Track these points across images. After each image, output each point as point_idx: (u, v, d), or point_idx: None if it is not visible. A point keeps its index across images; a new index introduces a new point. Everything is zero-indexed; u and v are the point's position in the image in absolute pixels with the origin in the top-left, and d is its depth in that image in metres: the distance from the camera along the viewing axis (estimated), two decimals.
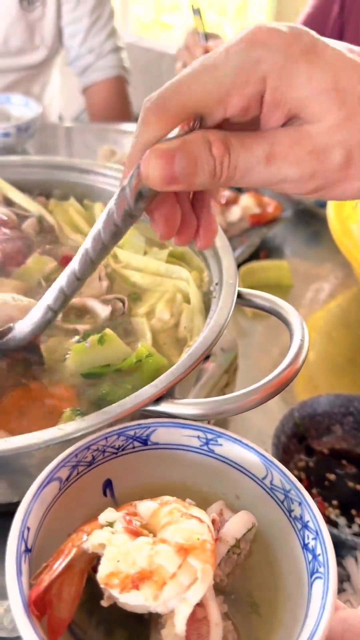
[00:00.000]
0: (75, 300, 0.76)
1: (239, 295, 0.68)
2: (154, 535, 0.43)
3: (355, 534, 0.75)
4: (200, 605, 0.41)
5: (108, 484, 0.51)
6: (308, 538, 0.46)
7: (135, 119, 0.53)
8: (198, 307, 0.75)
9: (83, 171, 0.95)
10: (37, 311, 0.62)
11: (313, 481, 0.81)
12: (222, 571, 0.46)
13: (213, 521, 0.46)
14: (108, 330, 0.68)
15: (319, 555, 0.44)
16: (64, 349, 0.69)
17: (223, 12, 3.62)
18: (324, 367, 1.07)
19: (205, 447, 0.52)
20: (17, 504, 0.44)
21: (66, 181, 0.96)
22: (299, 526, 0.47)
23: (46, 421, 0.60)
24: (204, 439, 0.52)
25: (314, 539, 0.45)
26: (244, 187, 0.46)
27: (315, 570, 0.44)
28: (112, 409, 0.55)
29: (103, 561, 0.41)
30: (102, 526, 0.43)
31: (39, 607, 0.40)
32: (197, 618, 0.41)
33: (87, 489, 0.49)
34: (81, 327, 0.73)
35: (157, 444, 0.52)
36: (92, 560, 0.43)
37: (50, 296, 0.60)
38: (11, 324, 0.66)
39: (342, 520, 0.77)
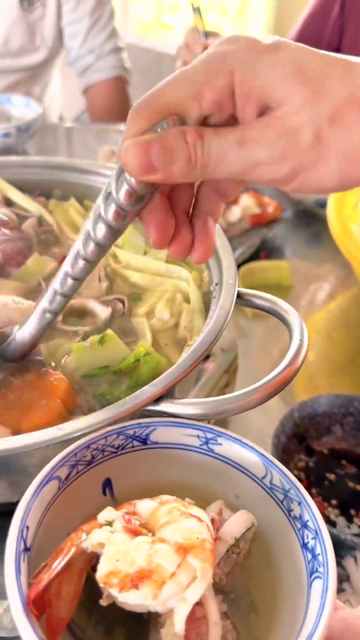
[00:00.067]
0: (75, 302, 0.76)
1: (239, 296, 0.68)
2: (153, 535, 0.43)
3: (355, 534, 0.75)
4: (199, 604, 0.41)
5: (107, 483, 0.51)
6: (307, 537, 0.46)
7: None
8: (198, 307, 0.75)
9: (83, 171, 0.95)
10: (35, 317, 0.62)
11: (313, 481, 0.81)
12: (221, 570, 0.46)
13: (212, 520, 0.46)
14: (109, 331, 0.68)
15: (319, 554, 0.44)
16: (64, 351, 0.69)
17: (223, 13, 3.62)
18: (324, 367, 1.07)
19: (205, 447, 0.52)
20: (16, 504, 0.44)
21: (66, 181, 0.96)
22: (299, 526, 0.47)
23: (46, 419, 0.59)
24: (203, 438, 0.52)
25: (314, 538, 0.45)
26: (222, 177, 0.46)
27: (314, 569, 0.44)
28: (112, 409, 0.55)
29: (102, 560, 0.41)
30: (101, 525, 0.43)
31: (38, 606, 0.40)
32: (196, 617, 0.41)
33: (86, 488, 0.49)
34: (81, 329, 0.73)
35: (156, 443, 0.52)
36: (92, 560, 0.43)
37: (46, 299, 0.60)
38: (12, 328, 0.66)
39: (341, 520, 0.77)
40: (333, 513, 0.78)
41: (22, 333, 0.64)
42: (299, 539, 0.47)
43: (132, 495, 0.47)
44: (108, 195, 0.51)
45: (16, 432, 0.59)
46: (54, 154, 1.59)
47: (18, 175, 0.96)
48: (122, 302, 0.78)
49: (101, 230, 0.53)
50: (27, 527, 0.43)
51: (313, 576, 0.44)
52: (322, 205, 1.35)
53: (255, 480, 0.50)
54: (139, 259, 0.84)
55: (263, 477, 0.50)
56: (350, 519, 0.77)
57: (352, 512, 0.78)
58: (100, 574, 0.41)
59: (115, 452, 0.51)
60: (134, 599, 0.40)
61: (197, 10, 1.38)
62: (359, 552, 0.72)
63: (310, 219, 1.41)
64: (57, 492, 0.47)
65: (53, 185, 0.96)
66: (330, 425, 0.86)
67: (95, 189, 0.94)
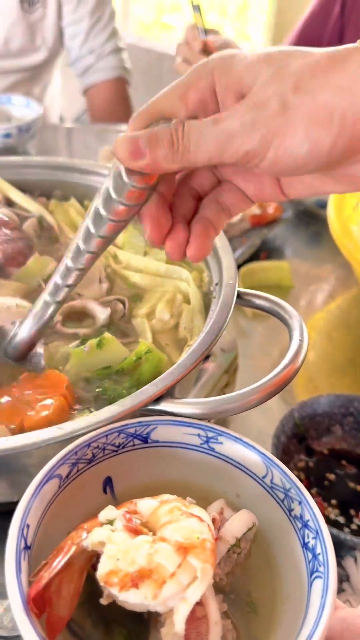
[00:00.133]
0: (75, 303, 0.76)
1: (239, 296, 0.68)
2: (154, 534, 0.43)
3: (355, 534, 0.75)
4: (199, 604, 0.41)
5: (108, 482, 0.51)
6: (308, 537, 0.46)
7: None
8: (198, 307, 0.75)
9: (84, 172, 0.95)
10: (35, 309, 0.63)
11: (313, 481, 0.81)
12: (222, 570, 0.46)
13: (213, 520, 0.46)
14: (107, 334, 0.68)
15: (319, 554, 0.44)
16: (64, 353, 0.69)
17: (224, 13, 3.62)
18: (324, 367, 1.07)
19: (205, 446, 0.52)
20: (17, 504, 0.44)
21: (67, 182, 0.96)
22: (299, 525, 0.47)
23: (48, 419, 0.59)
24: (204, 437, 0.52)
25: (314, 538, 0.45)
26: (203, 160, 0.48)
27: (315, 569, 0.44)
28: (112, 409, 0.55)
29: (103, 559, 0.41)
30: (101, 524, 0.43)
31: (38, 604, 0.40)
32: (197, 617, 0.41)
33: (87, 487, 0.49)
34: (81, 330, 0.73)
35: (157, 441, 0.52)
36: (92, 558, 0.43)
37: (47, 290, 0.62)
38: (13, 324, 0.66)
39: (341, 520, 0.77)
40: (333, 513, 0.78)
41: (23, 329, 0.65)
42: (300, 538, 0.47)
43: (132, 494, 0.47)
44: (106, 191, 0.54)
45: (18, 432, 0.59)
46: (54, 155, 1.59)
47: (19, 176, 0.96)
48: (123, 302, 0.78)
49: (98, 225, 0.55)
50: (28, 526, 0.43)
51: (313, 576, 0.44)
52: (323, 205, 1.35)
53: (255, 480, 0.50)
54: (139, 259, 0.84)
55: (264, 477, 0.50)
56: (350, 519, 0.77)
57: (352, 512, 0.78)
58: (100, 573, 0.41)
59: (116, 451, 0.51)
60: (134, 598, 0.40)
61: (196, 8, 1.38)
62: (359, 552, 0.72)
63: (311, 220, 1.41)
64: (57, 490, 0.47)
65: (53, 185, 0.96)
66: (330, 426, 0.86)
67: (95, 189, 0.93)
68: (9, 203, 0.93)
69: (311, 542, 0.45)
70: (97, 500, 0.50)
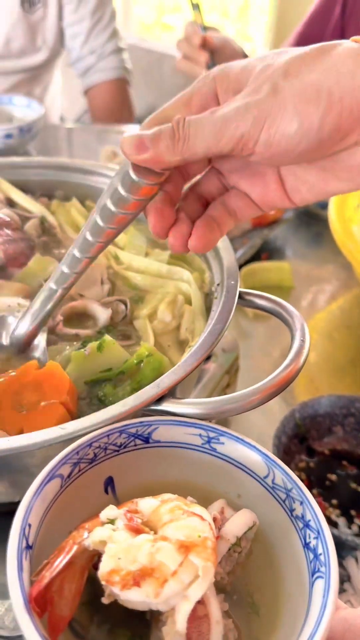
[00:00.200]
0: (76, 304, 0.76)
1: (240, 296, 0.68)
2: (155, 533, 0.43)
3: (356, 535, 0.75)
4: (201, 602, 0.41)
5: (109, 482, 0.51)
6: (309, 537, 0.46)
7: (137, 121, 0.59)
8: (199, 308, 0.75)
9: (85, 172, 0.95)
10: (39, 298, 0.66)
11: (314, 481, 0.81)
12: (223, 569, 0.46)
13: (214, 519, 0.46)
14: (107, 337, 0.68)
15: (321, 554, 0.44)
16: (64, 355, 0.69)
17: (225, 14, 3.62)
18: (326, 368, 1.07)
19: (207, 446, 0.52)
20: (18, 504, 0.44)
21: (68, 182, 0.96)
22: (301, 525, 0.47)
23: (48, 421, 0.59)
24: (205, 437, 0.52)
25: (316, 538, 0.45)
26: (202, 151, 0.50)
27: (316, 569, 0.44)
28: (114, 409, 0.55)
29: (104, 558, 0.41)
30: (103, 523, 0.43)
31: (40, 604, 0.40)
32: (198, 616, 0.41)
33: (88, 487, 0.49)
34: (82, 332, 0.73)
35: (158, 441, 0.52)
36: (93, 558, 0.43)
37: (53, 278, 0.65)
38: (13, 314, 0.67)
39: (342, 521, 0.77)
40: (334, 513, 0.78)
41: (25, 318, 0.67)
42: (301, 538, 0.47)
43: (134, 494, 0.47)
44: (113, 187, 0.56)
45: (18, 434, 0.59)
46: (55, 155, 1.59)
47: (20, 176, 0.96)
48: (124, 303, 0.78)
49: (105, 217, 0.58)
50: (29, 525, 0.43)
51: (315, 576, 0.44)
52: (324, 206, 1.35)
53: (257, 480, 0.50)
54: (141, 260, 0.84)
55: (265, 477, 0.50)
56: (351, 520, 0.77)
57: (353, 512, 0.78)
58: (102, 572, 0.41)
59: (118, 451, 0.51)
60: (135, 597, 0.40)
61: (196, 7, 1.38)
62: None
63: (312, 220, 1.41)
64: (59, 490, 0.47)
65: (55, 185, 0.96)
66: (332, 426, 0.86)
67: (96, 190, 0.94)
68: (11, 203, 0.93)
69: (313, 542, 0.45)
70: (99, 500, 0.50)
